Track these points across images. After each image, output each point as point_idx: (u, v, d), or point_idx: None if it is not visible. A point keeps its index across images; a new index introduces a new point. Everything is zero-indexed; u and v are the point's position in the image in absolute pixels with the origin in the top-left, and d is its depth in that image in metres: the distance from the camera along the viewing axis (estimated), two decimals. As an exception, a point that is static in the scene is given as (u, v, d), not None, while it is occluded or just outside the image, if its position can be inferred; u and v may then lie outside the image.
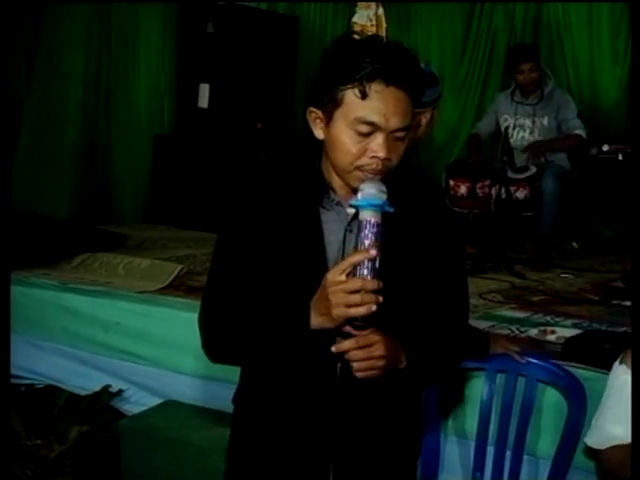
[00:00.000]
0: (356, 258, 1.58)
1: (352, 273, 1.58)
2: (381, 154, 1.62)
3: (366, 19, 6.48)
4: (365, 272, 1.57)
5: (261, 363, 1.78)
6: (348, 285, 1.57)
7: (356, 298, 1.57)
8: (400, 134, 1.64)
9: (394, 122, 1.62)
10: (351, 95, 1.62)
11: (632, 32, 3.21)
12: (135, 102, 6.65)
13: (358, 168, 1.64)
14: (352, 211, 1.66)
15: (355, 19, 6.77)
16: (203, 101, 6.45)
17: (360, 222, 1.61)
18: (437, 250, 1.78)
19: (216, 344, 1.80)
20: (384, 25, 6.61)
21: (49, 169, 6.11)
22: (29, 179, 5.92)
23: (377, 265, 1.58)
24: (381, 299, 1.57)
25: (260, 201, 1.76)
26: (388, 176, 1.67)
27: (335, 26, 7.20)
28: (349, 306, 1.58)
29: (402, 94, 1.62)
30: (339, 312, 1.59)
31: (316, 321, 1.63)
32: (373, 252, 1.57)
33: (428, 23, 7.05)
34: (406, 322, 1.74)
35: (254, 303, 1.71)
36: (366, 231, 1.59)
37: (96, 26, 6.35)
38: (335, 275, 1.59)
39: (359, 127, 1.62)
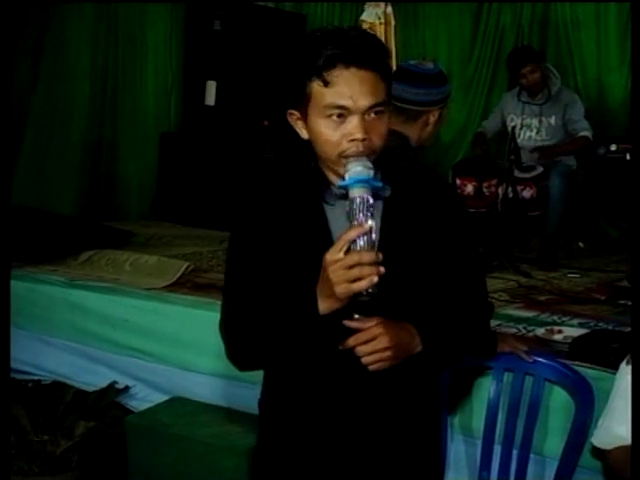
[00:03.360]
0: (351, 234, 1.58)
1: (350, 250, 1.59)
2: (359, 135, 1.64)
3: (374, 17, 6.48)
4: (362, 245, 1.58)
5: (283, 360, 1.78)
6: (346, 260, 1.57)
7: (355, 272, 1.57)
8: (375, 112, 1.66)
9: (363, 101, 1.64)
10: (315, 86, 1.66)
11: (632, 32, 3.20)
12: (142, 99, 6.66)
13: (341, 155, 1.66)
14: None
15: (363, 17, 6.76)
16: (210, 98, 6.44)
17: (351, 200, 1.61)
18: (450, 238, 1.80)
19: (239, 350, 1.80)
20: (392, 23, 6.61)
21: (55, 166, 6.12)
22: (35, 176, 5.94)
23: (373, 238, 1.59)
24: (382, 270, 1.57)
25: (268, 204, 1.78)
26: (387, 165, 1.69)
27: (342, 24, 7.15)
28: (351, 282, 1.57)
29: (366, 73, 1.64)
30: (342, 289, 1.59)
31: (323, 305, 1.63)
32: (367, 225, 1.58)
33: (436, 21, 7.03)
34: (419, 307, 1.75)
35: (269, 305, 1.71)
36: (358, 207, 1.60)
37: (103, 23, 6.36)
38: (333, 254, 1.59)
39: (330, 113, 1.65)
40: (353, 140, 1.64)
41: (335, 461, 1.79)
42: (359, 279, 1.57)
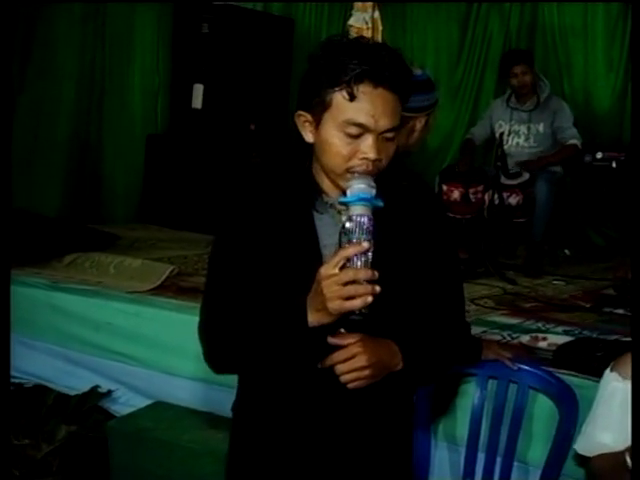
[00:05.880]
0: (349, 251, 1.56)
1: (345, 266, 1.57)
2: (371, 155, 1.62)
3: (362, 22, 6.46)
4: (358, 264, 1.56)
5: (264, 367, 1.76)
6: (341, 277, 1.56)
7: (351, 290, 1.55)
8: (389, 135, 1.65)
9: (383, 123, 1.62)
10: (339, 97, 1.62)
11: (632, 32, 3.21)
12: (129, 101, 6.64)
13: (349, 170, 1.64)
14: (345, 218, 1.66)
15: (351, 22, 6.74)
16: (197, 101, 6.43)
17: (350, 217, 1.60)
18: (432, 250, 1.79)
19: (218, 354, 1.79)
20: (380, 28, 6.60)
21: (41, 167, 6.08)
22: (21, 177, 5.88)
23: (370, 258, 1.57)
24: (378, 289, 1.56)
25: (255, 208, 1.76)
26: (380, 178, 1.67)
27: (330, 28, 7.17)
28: (344, 299, 1.56)
29: (390, 95, 1.63)
30: (334, 306, 1.57)
31: (313, 318, 1.61)
32: (365, 245, 1.56)
33: (424, 27, 7.04)
34: (402, 323, 1.73)
35: (253, 310, 1.70)
36: (357, 225, 1.59)
37: (91, 25, 6.33)
38: (328, 269, 1.57)
39: (348, 129, 1.63)
40: (364, 159, 1.63)
41: (306, 472, 1.78)
42: (353, 297, 1.56)
